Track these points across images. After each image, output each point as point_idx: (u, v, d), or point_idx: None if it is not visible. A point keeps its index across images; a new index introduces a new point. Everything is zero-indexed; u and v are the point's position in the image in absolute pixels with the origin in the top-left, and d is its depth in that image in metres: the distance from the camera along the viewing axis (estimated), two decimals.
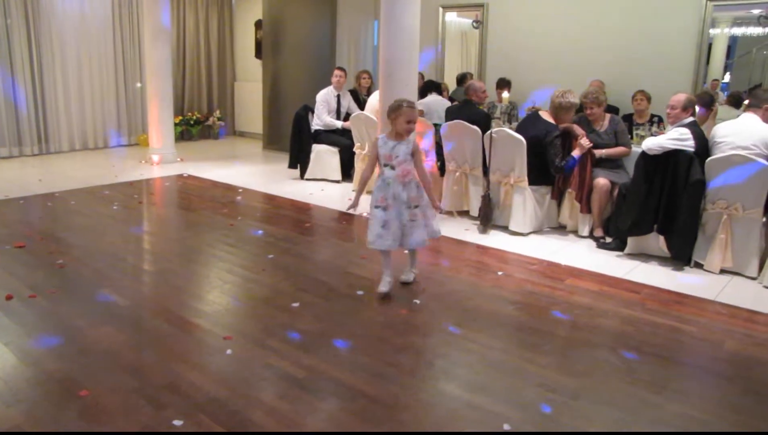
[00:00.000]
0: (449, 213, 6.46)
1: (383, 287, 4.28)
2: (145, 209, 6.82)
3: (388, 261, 4.33)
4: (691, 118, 5.05)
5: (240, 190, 7.63)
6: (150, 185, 7.96)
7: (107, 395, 3.01)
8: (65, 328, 3.77)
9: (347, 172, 8.01)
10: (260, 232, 5.86)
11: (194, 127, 11.64)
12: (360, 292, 4.37)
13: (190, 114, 11.68)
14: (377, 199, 4.21)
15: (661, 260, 5.10)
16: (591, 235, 5.67)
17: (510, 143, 5.74)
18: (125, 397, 2.99)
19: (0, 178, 8.14)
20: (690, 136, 4.83)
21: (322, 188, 7.72)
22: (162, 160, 9.26)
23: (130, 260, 5.04)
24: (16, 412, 2.87)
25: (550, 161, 5.68)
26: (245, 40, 12.13)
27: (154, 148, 9.40)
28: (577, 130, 5.71)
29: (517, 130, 5.88)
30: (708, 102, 6.54)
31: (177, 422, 2.78)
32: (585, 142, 5.59)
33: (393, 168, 4.16)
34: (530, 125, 5.93)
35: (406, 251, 4.53)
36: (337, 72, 8.20)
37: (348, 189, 7.68)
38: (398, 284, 4.50)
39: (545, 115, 5.94)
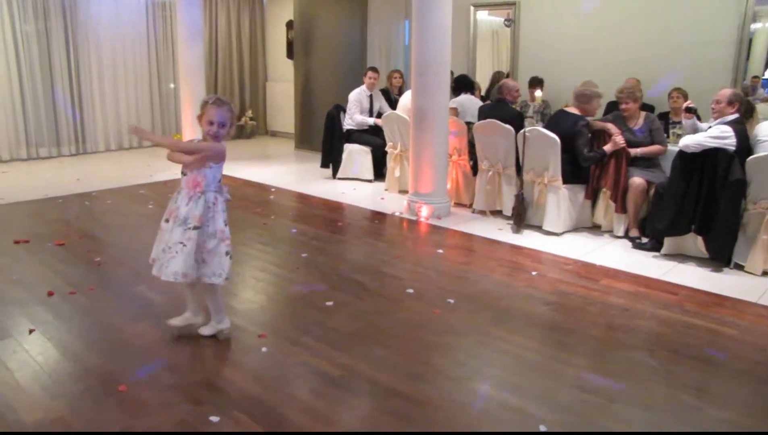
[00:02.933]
0: (482, 212, 6.43)
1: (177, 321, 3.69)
2: None
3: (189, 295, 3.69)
4: (735, 115, 4.96)
5: (273, 190, 7.67)
6: None
7: (145, 391, 3.05)
8: (104, 324, 3.84)
9: (379, 172, 8.01)
10: (294, 230, 5.89)
11: None
12: (393, 292, 4.37)
13: None
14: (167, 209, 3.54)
15: (700, 261, 5.01)
16: (626, 235, 5.60)
17: (544, 142, 5.69)
18: (163, 393, 3.03)
19: (39, 177, 8.30)
20: (731, 133, 4.73)
21: (354, 187, 7.74)
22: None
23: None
24: (59, 405, 2.93)
25: (578, 152, 5.63)
26: (276, 40, 12.19)
27: None
28: (612, 128, 5.64)
29: (547, 128, 5.83)
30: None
31: (214, 418, 2.81)
32: (619, 139, 5.52)
33: (185, 174, 3.46)
34: (558, 122, 5.88)
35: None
36: (370, 73, 8.20)
37: (380, 188, 7.68)
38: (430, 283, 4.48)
39: (571, 110, 5.89)
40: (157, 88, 11.02)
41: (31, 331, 3.70)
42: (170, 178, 8.18)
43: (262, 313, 4.06)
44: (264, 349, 3.48)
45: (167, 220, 3.46)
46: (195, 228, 3.36)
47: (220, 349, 3.51)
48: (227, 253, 3.50)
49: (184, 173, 3.45)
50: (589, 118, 5.81)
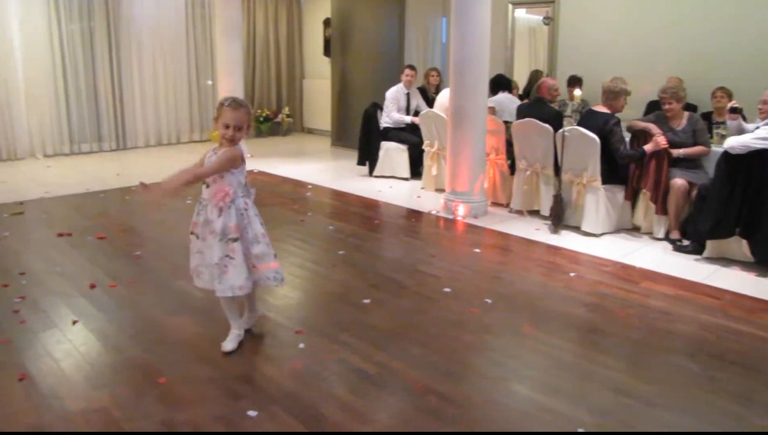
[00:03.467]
0: (519, 212, 6.38)
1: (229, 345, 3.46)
2: None
3: (236, 308, 3.53)
4: None
5: (309, 187, 7.71)
6: None
7: (184, 383, 3.09)
8: (144, 317, 3.90)
9: (416, 170, 8.00)
10: (331, 228, 5.91)
11: (263, 123, 11.83)
12: (430, 290, 4.36)
13: (259, 111, 11.87)
14: (192, 223, 3.42)
15: (744, 265, 4.90)
16: (667, 238, 5.50)
17: (583, 142, 5.62)
18: (202, 386, 3.07)
19: (81, 172, 8.47)
20: None
21: (391, 186, 7.74)
22: None
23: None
24: (102, 395, 2.99)
25: (614, 150, 5.56)
26: (314, 37, 12.25)
27: None
28: (654, 128, 5.55)
29: None
30: None
31: (252, 413, 2.83)
32: (661, 140, 5.43)
33: (207, 185, 3.33)
34: (588, 122, 5.80)
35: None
36: (408, 71, 8.19)
37: (416, 186, 7.67)
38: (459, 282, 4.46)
39: (600, 109, 5.82)
40: (195, 85, 11.16)
41: (74, 322, 3.78)
42: None
43: (299, 309, 4.08)
44: (301, 345, 3.50)
45: (193, 233, 3.39)
46: (234, 240, 3.28)
47: (258, 345, 3.54)
48: (275, 255, 3.49)
49: (206, 184, 3.33)
50: (634, 120, 5.72)
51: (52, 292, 4.26)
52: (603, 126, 5.59)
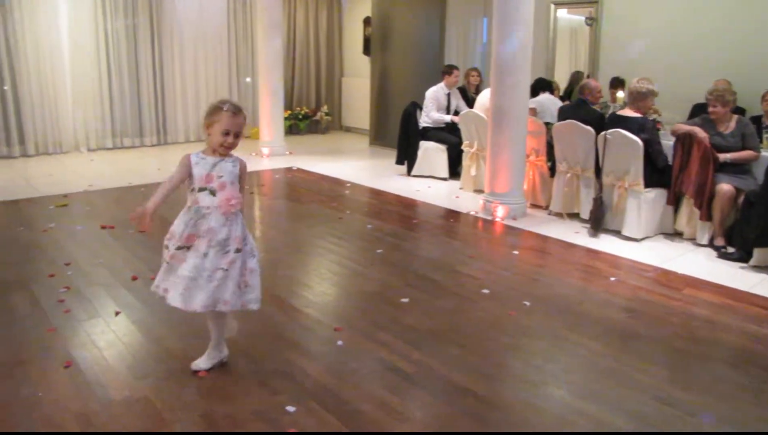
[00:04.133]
0: (559, 215, 6.31)
1: (202, 364, 3.19)
2: (256, 200, 7.03)
3: (220, 326, 3.22)
4: None
5: (348, 185, 7.73)
6: (260, 177, 8.20)
7: (223, 377, 3.13)
8: (183, 310, 3.93)
9: (454, 170, 7.97)
10: (369, 226, 5.92)
11: (302, 121, 11.90)
12: (468, 291, 4.34)
13: (298, 108, 11.95)
14: (182, 236, 3.02)
15: None
16: (711, 244, 5.39)
17: (625, 145, 5.54)
18: (240, 381, 3.10)
19: (123, 167, 8.62)
20: None
21: (429, 185, 7.72)
22: (272, 153, 9.53)
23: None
24: (144, 385, 3.04)
25: (656, 152, 5.46)
26: (353, 36, 12.28)
27: (265, 141, 9.69)
28: (699, 132, 5.43)
29: None
30: None
31: (290, 408, 2.85)
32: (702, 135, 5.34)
33: (213, 193, 3.02)
34: (617, 127, 5.69)
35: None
36: (456, 71, 8.18)
37: (455, 187, 7.64)
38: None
39: (627, 113, 5.72)
40: (236, 82, 11.31)
41: (117, 313, 3.85)
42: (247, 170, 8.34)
43: (337, 306, 4.10)
44: (339, 342, 3.51)
45: (182, 248, 3.00)
46: (237, 251, 3.03)
47: (297, 341, 3.56)
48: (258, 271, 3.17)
49: (212, 193, 2.99)
50: (679, 123, 5.61)
51: (96, 282, 4.35)
52: (639, 130, 5.49)
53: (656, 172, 5.56)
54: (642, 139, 5.47)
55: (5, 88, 8.89)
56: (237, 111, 2.97)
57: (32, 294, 4.12)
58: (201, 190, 2.98)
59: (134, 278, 4.42)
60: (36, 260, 4.80)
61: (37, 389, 2.98)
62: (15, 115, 9.03)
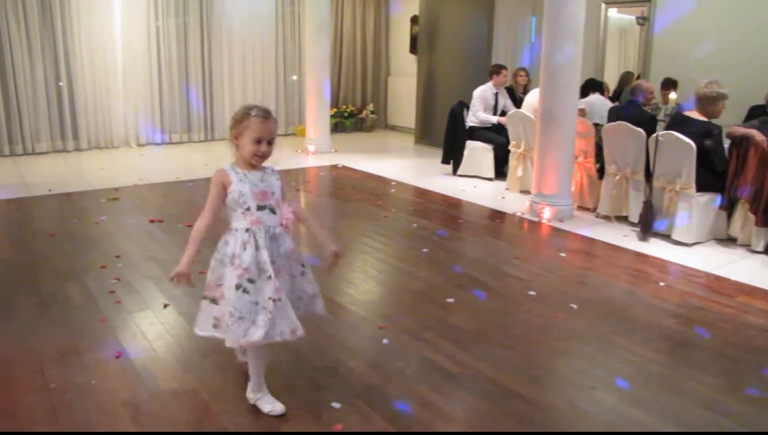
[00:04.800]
0: (607, 217, 6.21)
1: (272, 408, 2.80)
2: (302, 197, 7.08)
3: (262, 363, 2.82)
4: None
5: (393, 183, 7.73)
6: (306, 174, 8.26)
7: (270, 372, 3.13)
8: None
9: (500, 170, 7.91)
10: (415, 225, 5.91)
11: (348, 119, 11.95)
12: (514, 293, 4.30)
13: (344, 107, 12.00)
14: (240, 267, 2.61)
15: None
16: (767, 251, 5.24)
17: (678, 147, 5.42)
18: (286, 376, 3.12)
19: (171, 161, 8.78)
20: None
21: (475, 185, 7.67)
22: (317, 151, 9.59)
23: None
24: (191, 378, 3.08)
25: (719, 159, 5.33)
26: (400, 35, 12.27)
27: (311, 139, 9.75)
28: (756, 135, 5.28)
29: None
30: None
31: (335, 405, 2.86)
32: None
33: (273, 211, 2.70)
34: (680, 127, 5.55)
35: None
36: (504, 71, 8.12)
37: (501, 187, 7.58)
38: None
39: (694, 115, 5.57)
40: (282, 81, 11.41)
41: (165, 306, 3.92)
42: (292, 167, 8.43)
43: (383, 305, 4.10)
44: (385, 341, 3.51)
45: (252, 281, 2.60)
46: (302, 264, 2.84)
47: (342, 338, 3.57)
48: None
49: (272, 211, 2.69)
50: (734, 125, 5.47)
51: (145, 275, 4.43)
52: (703, 136, 5.35)
53: (710, 176, 5.42)
54: (706, 145, 5.34)
55: (61, 84, 9.13)
56: (267, 115, 2.65)
57: (85, 285, 4.22)
58: (261, 208, 2.64)
59: None
60: (88, 252, 4.92)
61: (91, 377, 3.05)
62: (70, 110, 9.28)
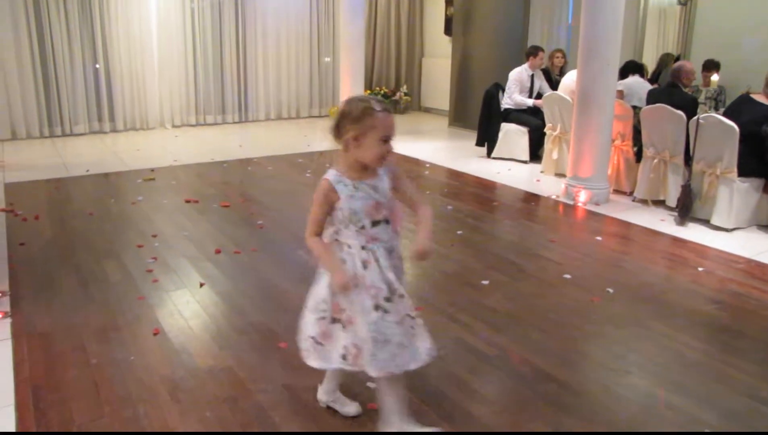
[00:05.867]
0: (644, 201, 6.12)
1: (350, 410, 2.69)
2: None
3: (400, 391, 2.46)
4: None
5: (427, 165, 7.70)
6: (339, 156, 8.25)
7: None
8: (266, 284, 4.03)
9: (535, 153, 7.83)
10: (449, 207, 5.89)
11: None
12: (550, 276, 4.27)
13: (378, 88, 11.96)
14: (371, 287, 2.31)
15: None
16: None
17: (720, 131, 5.30)
18: None
19: (205, 142, 8.86)
20: None
21: (509, 168, 7.60)
22: None
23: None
24: (227, 355, 3.12)
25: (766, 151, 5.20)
26: (435, 16, 12.16)
27: None
28: None
29: (726, 115, 5.42)
30: None
31: (371, 384, 2.86)
32: None
33: (388, 222, 2.37)
34: (743, 109, 5.43)
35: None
36: (541, 54, 8.01)
37: (536, 170, 7.51)
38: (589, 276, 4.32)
39: (760, 98, 5.43)
40: (317, 62, 11.41)
41: (201, 285, 3.96)
42: (326, 149, 8.43)
43: (417, 287, 4.09)
44: (420, 322, 3.50)
45: (388, 300, 2.32)
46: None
47: None
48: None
49: (387, 221, 2.36)
50: None
51: (182, 254, 4.49)
52: (765, 119, 5.20)
53: (753, 160, 5.29)
54: (764, 130, 5.20)
55: (98, 66, 9.24)
56: (389, 109, 2.28)
57: (123, 263, 4.29)
58: (375, 223, 2.33)
59: (217, 251, 4.53)
60: (126, 231, 5.00)
61: (130, 353, 3.11)
62: (107, 92, 9.41)
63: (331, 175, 2.30)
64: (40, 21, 8.69)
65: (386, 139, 2.23)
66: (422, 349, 2.37)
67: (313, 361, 2.45)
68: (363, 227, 2.31)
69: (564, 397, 2.85)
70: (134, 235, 4.88)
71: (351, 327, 2.35)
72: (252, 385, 2.85)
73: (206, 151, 8.18)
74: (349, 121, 2.22)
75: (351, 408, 2.68)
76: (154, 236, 4.84)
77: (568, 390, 2.90)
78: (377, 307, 2.29)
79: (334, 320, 2.40)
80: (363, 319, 2.29)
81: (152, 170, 7.02)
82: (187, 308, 3.64)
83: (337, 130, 2.25)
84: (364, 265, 2.31)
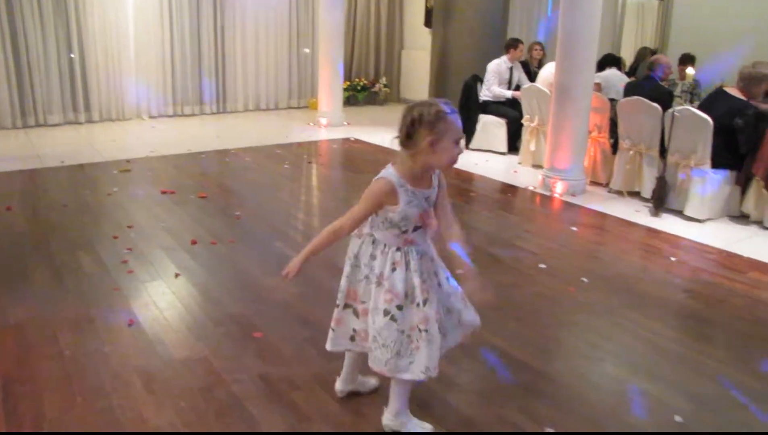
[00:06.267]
0: (619, 193, 6.17)
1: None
2: (313, 169, 7.08)
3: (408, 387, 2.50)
4: None
5: None
6: (318, 147, 8.25)
7: (281, 341, 3.18)
8: (243, 275, 4.02)
9: (513, 145, 7.87)
10: None
11: (360, 92, 11.89)
12: (526, 266, 4.30)
13: (357, 80, 11.94)
14: (390, 292, 2.32)
15: None
16: None
17: (694, 123, 5.36)
18: (298, 345, 3.14)
19: (183, 133, 8.78)
20: None
21: (487, 159, 7.63)
22: (330, 124, 9.56)
23: (300, 217, 5.26)
24: (203, 346, 3.11)
25: (745, 139, 5.26)
26: (415, 8, 12.15)
27: (323, 112, 9.71)
28: None
29: (701, 109, 5.48)
30: None
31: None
32: None
33: (423, 227, 2.38)
34: (717, 103, 5.49)
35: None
36: (521, 45, 8.05)
37: (513, 161, 7.54)
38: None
39: (733, 92, 5.50)
40: (295, 53, 11.34)
41: (177, 275, 3.94)
42: (304, 140, 8.42)
43: None
44: None
45: (419, 305, 2.32)
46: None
47: None
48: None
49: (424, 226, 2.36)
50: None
51: (158, 245, 4.46)
52: (736, 113, 5.26)
53: (726, 152, 5.36)
54: (736, 123, 5.27)
55: (72, 55, 9.11)
56: (455, 109, 2.25)
57: (98, 254, 4.25)
58: (416, 228, 2.33)
59: (194, 242, 4.51)
60: (101, 222, 4.95)
61: (104, 345, 3.08)
62: (81, 82, 9.26)
63: (393, 177, 2.25)
64: (11, 7, 8.51)
65: (458, 141, 2.22)
66: (418, 364, 2.34)
67: (326, 345, 2.55)
68: (405, 232, 2.30)
69: (539, 384, 2.88)
70: (109, 227, 4.83)
71: (364, 317, 2.41)
72: (227, 376, 2.85)
73: (183, 142, 8.11)
74: (424, 126, 2.16)
75: (372, 381, 2.76)
76: (130, 227, 4.80)
77: (543, 378, 2.93)
78: (386, 313, 2.31)
79: (347, 306, 2.47)
80: (372, 317, 2.35)
81: (128, 161, 6.95)
82: (162, 299, 3.62)
83: (408, 137, 2.19)
84: (393, 267, 2.31)
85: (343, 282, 2.46)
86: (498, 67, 8.01)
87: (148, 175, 6.46)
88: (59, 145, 7.79)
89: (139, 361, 2.95)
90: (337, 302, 2.49)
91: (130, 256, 4.23)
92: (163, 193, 5.74)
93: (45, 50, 8.87)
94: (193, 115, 10.32)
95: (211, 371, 2.89)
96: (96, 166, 6.73)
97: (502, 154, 7.90)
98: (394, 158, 2.30)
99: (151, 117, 9.93)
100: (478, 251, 4.53)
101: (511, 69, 8.07)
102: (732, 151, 5.35)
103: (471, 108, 8.07)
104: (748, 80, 5.40)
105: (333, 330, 2.52)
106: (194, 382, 2.80)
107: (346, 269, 2.45)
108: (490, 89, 8.01)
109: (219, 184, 6.19)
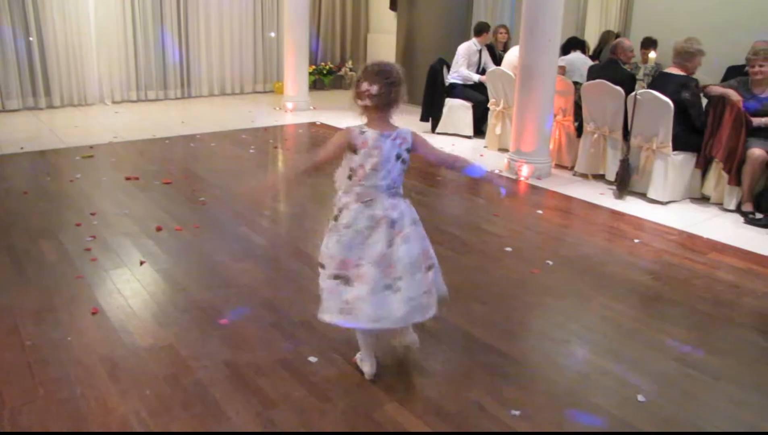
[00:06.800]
0: (584, 175, 6.24)
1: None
2: (279, 154, 7.03)
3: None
4: None
5: None
6: (284, 131, 8.19)
7: (247, 326, 3.17)
8: (208, 260, 3.99)
9: (479, 128, 7.90)
10: None
11: (327, 76, 11.82)
12: (492, 249, 4.33)
13: (323, 64, 11.86)
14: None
15: None
16: (738, 210, 5.30)
17: (656, 106, 5.43)
18: (264, 330, 3.14)
19: (147, 119, 8.64)
20: None
21: (453, 143, 7.65)
22: (296, 108, 9.49)
23: (266, 202, 5.22)
24: (168, 333, 3.08)
25: (696, 113, 5.36)
26: None
27: (289, 96, 9.63)
28: (733, 95, 5.30)
29: None
30: None
31: (312, 359, 2.88)
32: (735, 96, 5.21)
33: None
34: (663, 84, 5.57)
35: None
36: (490, 29, 8.09)
37: (479, 145, 7.58)
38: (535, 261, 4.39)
39: (673, 71, 5.59)
40: (260, 37, 11.21)
41: (141, 263, 3.89)
42: (270, 125, 8.35)
43: None
44: None
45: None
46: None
47: (320, 293, 3.58)
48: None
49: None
50: (711, 85, 5.47)
51: (121, 232, 4.39)
52: (680, 88, 5.38)
53: (686, 135, 5.45)
54: (683, 99, 5.36)
55: (31, 39, 8.88)
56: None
57: (60, 242, 4.18)
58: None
59: (159, 229, 4.46)
60: (63, 210, 4.86)
61: (67, 334, 3.04)
62: (41, 66, 9.04)
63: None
64: None
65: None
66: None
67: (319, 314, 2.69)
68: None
69: (505, 366, 2.91)
70: (72, 214, 4.75)
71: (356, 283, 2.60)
72: (193, 362, 2.83)
73: (147, 127, 7.98)
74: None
75: (365, 367, 2.79)
76: (93, 214, 4.72)
77: (509, 359, 2.97)
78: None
79: (337, 277, 2.63)
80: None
81: (91, 147, 6.82)
82: (126, 287, 3.57)
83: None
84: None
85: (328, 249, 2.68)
86: (468, 49, 8.01)
87: (112, 161, 6.35)
88: (18, 132, 7.60)
89: (103, 349, 2.91)
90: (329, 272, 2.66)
91: (94, 244, 4.16)
92: (127, 179, 5.66)
93: (0, 33, 8.62)
94: (157, 100, 10.17)
95: (177, 358, 2.87)
96: (57, 153, 6.60)
97: (468, 137, 7.93)
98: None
99: (114, 102, 9.76)
100: (445, 235, 4.56)
101: (480, 52, 8.07)
102: (690, 131, 5.45)
103: (437, 92, 8.08)
104: (682, 55, 5.52)
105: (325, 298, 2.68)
106: (159, 369, 2.78)
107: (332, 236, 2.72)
108: (459, 71, 8.01)
109: (184, 169, 6.12)
